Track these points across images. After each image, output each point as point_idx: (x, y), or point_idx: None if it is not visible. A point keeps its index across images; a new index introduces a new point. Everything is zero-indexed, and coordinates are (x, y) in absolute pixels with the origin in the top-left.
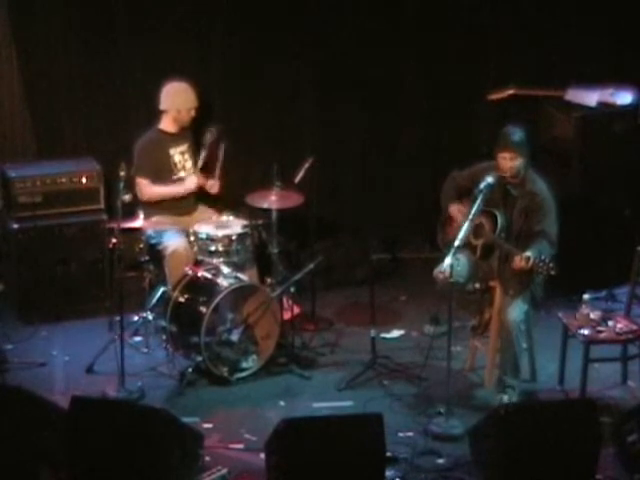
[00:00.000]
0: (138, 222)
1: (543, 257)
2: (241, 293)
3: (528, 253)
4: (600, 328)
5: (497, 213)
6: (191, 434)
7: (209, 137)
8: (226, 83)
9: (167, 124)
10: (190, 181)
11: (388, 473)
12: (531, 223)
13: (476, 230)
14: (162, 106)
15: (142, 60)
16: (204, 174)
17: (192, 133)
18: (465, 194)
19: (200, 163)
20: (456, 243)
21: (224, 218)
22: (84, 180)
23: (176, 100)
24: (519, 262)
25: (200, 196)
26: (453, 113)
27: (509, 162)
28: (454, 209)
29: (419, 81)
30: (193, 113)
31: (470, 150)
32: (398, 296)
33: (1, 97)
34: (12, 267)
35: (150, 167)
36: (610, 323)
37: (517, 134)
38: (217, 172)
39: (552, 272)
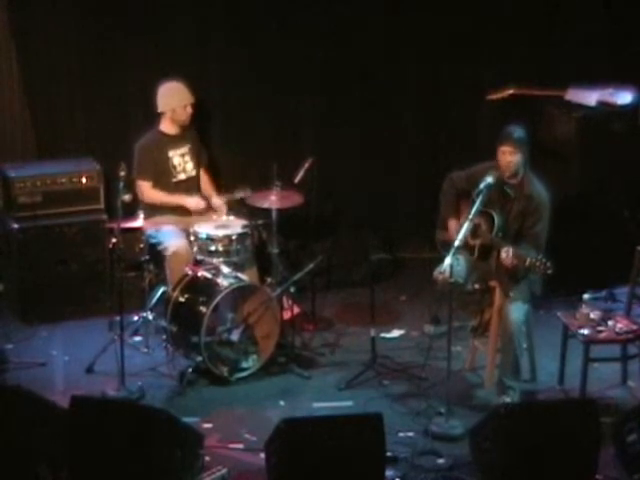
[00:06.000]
0: (138, 222)
1: (539, 256)
2: (241, 293)
3: (509, 248)
4: (600, 328)
5: (494, 213)
6: (191, 434)
7: (241, 194)
8: (226, 83)
9: (166, 125)
10: (195, 203)
11: (388, 473)
12: (525, 226)
13: (473, 230)
14: (159, 108)
15: (142, 60)
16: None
17: (195, 135)
18: (463, 195)
19: (218, 202)
20: (456, 243)
21: (224, 218)
22: (84, 180)
23: (169, 100)
24: (505, 255)
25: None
26: (453, 113)
27: (508, 156)
28: (452, 227)
29: (419, 81)
30: (189, 110)
31: (470, 150)
32: (398, 296)
33: (1, 97)
34: (12, 267)
35: (150, 169)
36: (610, 323)
37: (519, 132)
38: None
39: (549, 271)
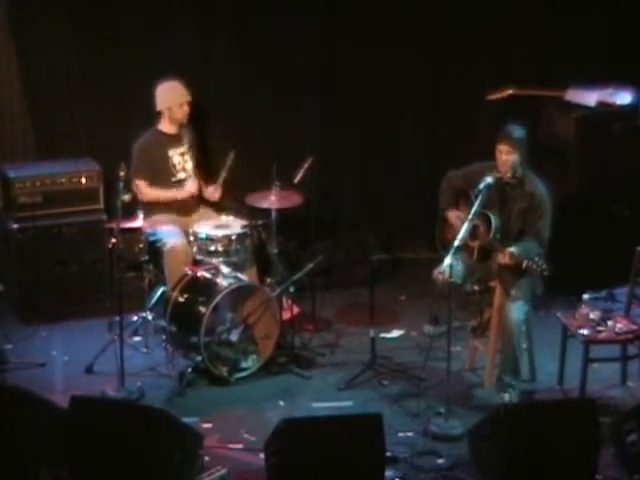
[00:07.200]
0: (138, 222)
1: (536, 259)
2: (240, 293)
3: (511, 249)
4: (599, 328)
5: (491, 215)
6: (191, 434)
7: (229, 161)
8: (226, 83)
9: (165, 125)
10: (190, 185)
11: (388, 473)
12: (527, 224)
13: (472, 232)
14: (156, 107)
15: (142, 60)
16: (206, 179)
17: (193, 132)
18: (462, 194)
19: (220, 181)
20: (455, 243)
21: (224, 218)
22: (84, 180)
23: (166, 98)
24: (502, 258)
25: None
26: (453, 113)
27: (504, 155)
28: (452, 216)
29: (419, 81)
30: (186, 108)
31: (470, 150)
32: (398, 296)
33: (1, 97)
34: (12, 267)
35: (148, 168)
36: (609, 323)
37: (518, 131)
38: (221, 179)
39: (545, 273)
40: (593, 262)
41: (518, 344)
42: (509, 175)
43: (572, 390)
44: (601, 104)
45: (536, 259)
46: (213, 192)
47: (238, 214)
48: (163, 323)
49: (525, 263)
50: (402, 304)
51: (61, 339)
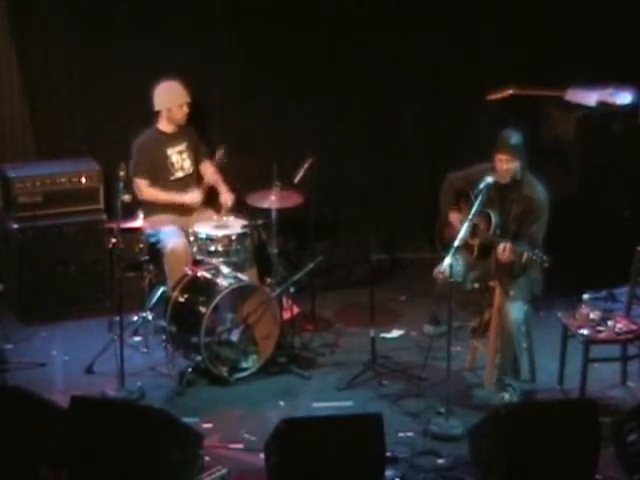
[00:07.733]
0: (138, 222)
1: (535, 250)
2: (241, 293)
3: (506, 243)
4: (600, 328)
5: (491, 212)
6: (191, 434)
7: (219, 156)
8: (226, 83)
9: (163, 124)
10: (193, 197)
11: (388, 473)
12: (523, 227)
13: (472, 230)
14: (155, 107)
15: (142, 60)
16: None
17: (192, 131)
18: (463, 195)
19: (226, 196)
20: (456, 243)
21: (224, 218)
22: (84, 180)
23: (164, 99)
24: (502, 252)
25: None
26: (453, 113)
27: (505, 164)
28: (454, 218)
29: (419, 82)
30: (185, 109)
31: (470, 150)
32: (398, 296)
33: (1, 97)
34: (12, 267)
35: (148, 167)
36: (610, 323)
37: (515, 137)
38: (224, 186)
39: (545, 264)
40: (593, 262)
41: (518, 344)
42: (509, 180)
43: (572, 390)
44: (601, 104)
45: (535, 251)
46: (227, 199)
47: (238, 214)
48: (163, 323)
49: (525, 256)
50: (402, 304)
51: (61, 339)
